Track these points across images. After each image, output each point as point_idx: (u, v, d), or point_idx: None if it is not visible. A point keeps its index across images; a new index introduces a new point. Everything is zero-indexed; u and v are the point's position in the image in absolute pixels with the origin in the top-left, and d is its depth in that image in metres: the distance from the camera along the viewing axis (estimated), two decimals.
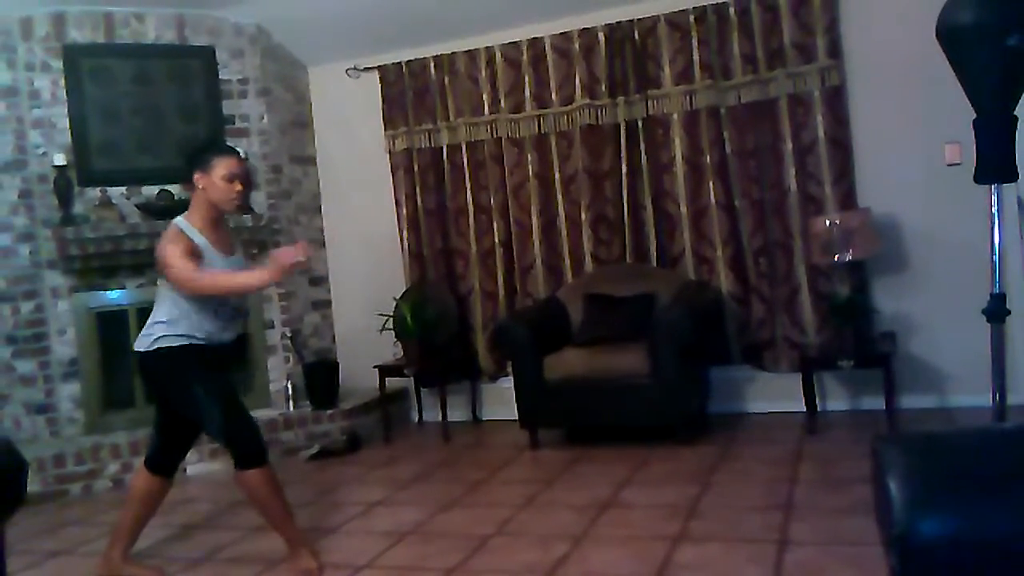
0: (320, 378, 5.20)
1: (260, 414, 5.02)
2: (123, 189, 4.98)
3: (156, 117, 5.07)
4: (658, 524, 3.27)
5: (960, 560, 1.46)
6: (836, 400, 4.62)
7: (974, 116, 2.71)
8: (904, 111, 4.46)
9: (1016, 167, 2.63)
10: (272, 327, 5.29)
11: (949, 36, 2.54)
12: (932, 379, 4.51)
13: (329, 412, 5.08)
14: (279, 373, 5.27)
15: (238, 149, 3.42)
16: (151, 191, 4.98)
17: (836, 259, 4.30)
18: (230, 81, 5.26)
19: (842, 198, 4.54)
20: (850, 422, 4.42)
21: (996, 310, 2.69)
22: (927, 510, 1.49)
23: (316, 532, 3.60)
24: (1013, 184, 4.17)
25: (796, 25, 4.60)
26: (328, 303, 5.78)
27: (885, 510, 1.55)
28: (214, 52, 5.20)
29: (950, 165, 4.39)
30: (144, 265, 4.97)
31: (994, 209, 2.73)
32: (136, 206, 4.95)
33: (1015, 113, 2.56)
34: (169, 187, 4.98)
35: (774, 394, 4.73)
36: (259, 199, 5.25)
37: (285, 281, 5.33)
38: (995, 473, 1.51)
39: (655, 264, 4.96)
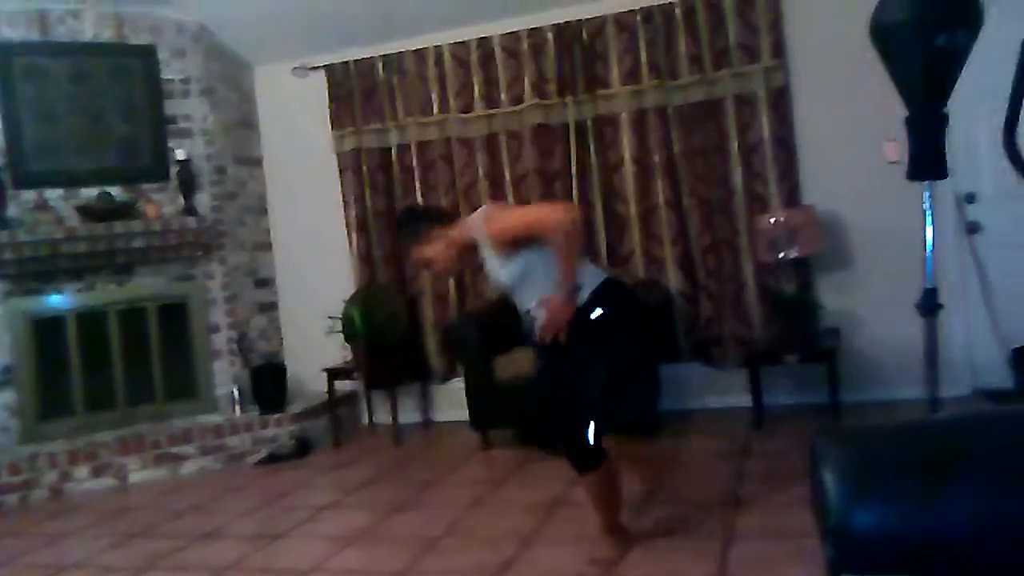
0: (267, 382, 5.11)
1: (205, 419, 4.94)
2: (61, 191, 4.84)
3: (95, 117, 4.94)
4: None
5: (893, 551, 1.48)
6: (782, 395, 4.67)
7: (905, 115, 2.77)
8: (846, 110, 4.54)
9: (946, 164, 2.68)
10: (217, 331, 5.19)
11: (881, 35, 2.59)
12: (875, 373, 4.59)
13: (277, 416, 4.99)
14: (225, 377, 5.16)
15: None
16: (90, 193, 4.84)
17: (781, 256, 4.36)
18: (172, 80, 5.15)
19: (787, 196, 4.61)
20: (796, 416, 4.47)
21: (928, 304, 2.74)
22: (861, 502, 1.50)
23: (265, 537, 3.53)
24: (951, 181, 4.29)
25: (741, 25, 4.66)
26: (275, 305, 5.68)
27: (821, 502, 1.57)
28: (155, 50, 5.08)
29: (890, 163, 4.47)
30: (83, 269, 4.85)
31: (926, 206, 2.79)
32: (75, 208, 4.81)
33: (945, 111, 2.61)
34: (109, 189, 4.86)
35: (722, 390, 4.78)
36: (203, 201, 5.14)
37: (230, 283, 5.24)
38: (927, 465, 1.53)
39: (605, 263, 4.98)
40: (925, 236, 2.79)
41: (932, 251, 2.77)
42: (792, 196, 4.62)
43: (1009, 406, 2.17)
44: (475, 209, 5.07)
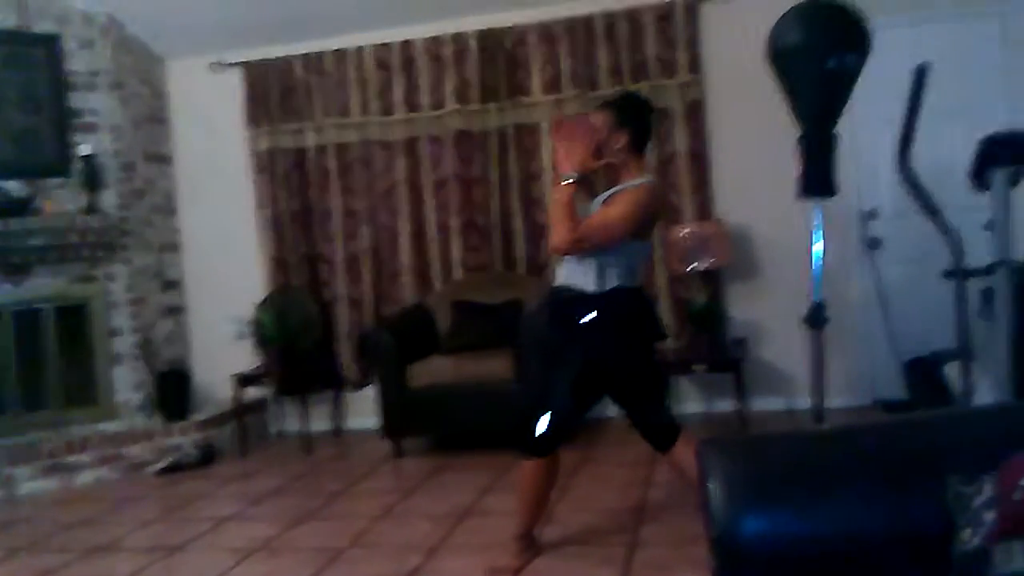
0: (172, 388, 4.93)
1: (105, 427, 4.74)
2: None
3: None
4: (512, 533, 3.24)
5: (776, 559, 1.50)
6: (692, 403, 4.75)
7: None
8: (758, 127, 4.64)
9: (835, 183, 2.77)
10: (120, 334, 4.97)
11: (776, 57, 2.66)
12: (779, 382, 4.71)
13: (181, 424, 4.81)
14: (127, 383, 4.96)
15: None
16: None
17: (692, 267, 4.44)
18: (79, 73, 4.93)
19: (699, 208, 4.70)
20: (704, 424, 4.55)
21: (816, 318, 2.82)
22: (745, 511, 1.52)
23: (162, 550, 3.39)
24: (854, 198, 4.43)
25: (659, 40, 4.74)
26: (182, 309, 5.49)
27: (708, 511, 1.58)
28: (58, 40, 4.86)
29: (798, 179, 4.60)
30: None
31: (816, 223, 2.86)
32: None
33: (834, 132, 2.70)
34: (5, 183, 4.62)
35: None
36: (109, 199, 4.94)
37: (135, 285, 5.05)
38: (811, 475, 1.56)
39: (524, 271, 4.98)
40: (811, 252, 2.86)
41: (820, 266, 2.85)
42: (704, 208, 4.71)
43: (892, 416, 2.24)
44: (393, 214, 5.08)
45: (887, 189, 4.42)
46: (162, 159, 5.44)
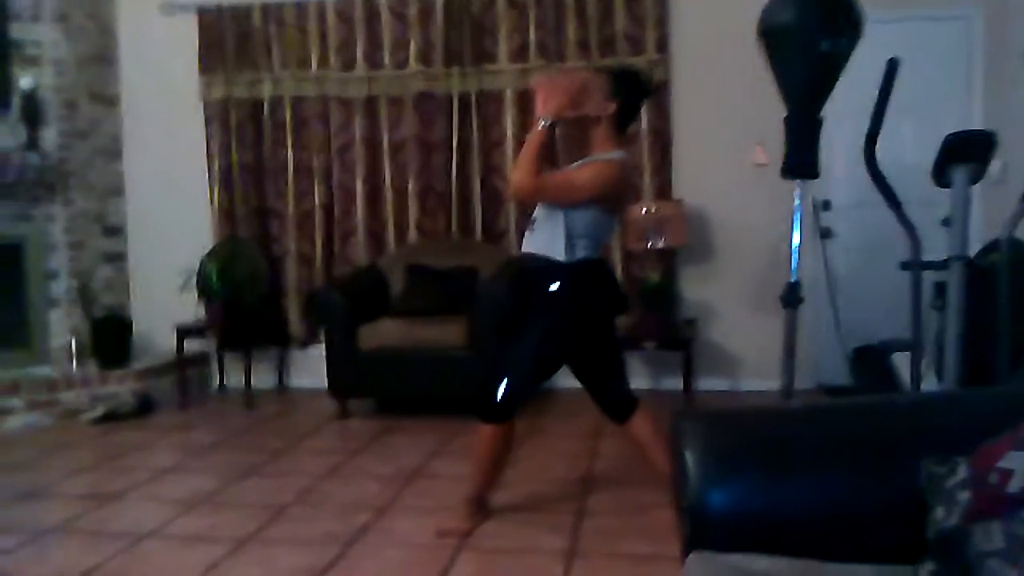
0: (109, 336, 4.77)
1: (38, 372, 4.57)
2: None
3: None
4: (463, 495, 3.25)
5: (747, 529, 1.53)
6: (640, 379, 4.81)
7: (779, 120, 2.89)
8: (721, 111, 4.70)
9: (818, 166, 2.81)
10: (56, 278, 4.79)
11: (767, 36, 2.68)
12: (726, 363, 4.82)
13: (118, 373, 4.67)
14: (62, 328, 4.78)
15: None
16: None
17: (649, 246, 4.48)
18: (21, 1, 4.68)
19: (659, 188, 4.74)
20: (651, 400, 4.60)
21: (790, 297, 2.88)
22: (718, 483, 1.55)
23: (97, 498, 3.29)
24: (810, 188, 4.52)
25: (628, 17, 4.74)
26: (123, 256, 5.30)
27: (681, 482, 1.60)
28: None
29: (758, 166, 4.68)
30: None
31: (796, 204, 2.92)
32: None
33: (821, 115, 2.74)
34: None
35: None
36: (49, 137, 4.72)
37: (74, 228, 4.85)
38: (784, 449, 1.59)
39: (479, 239, 4.95)
40: (792, 233, 2.92)
41: (799, 247, 2.90)
42: (664, 188, 4.75)
43: (856, 398, 2.31)
44: (349, 172, 4.98)
45: (841, 181, 4.52)
46: (108, 100, 5.22)
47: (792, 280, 2.86)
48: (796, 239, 2.92)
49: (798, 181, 2.83)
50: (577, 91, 2.70)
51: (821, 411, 1.68)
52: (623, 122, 2.81)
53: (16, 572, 2.66)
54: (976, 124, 4.28)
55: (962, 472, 1.35)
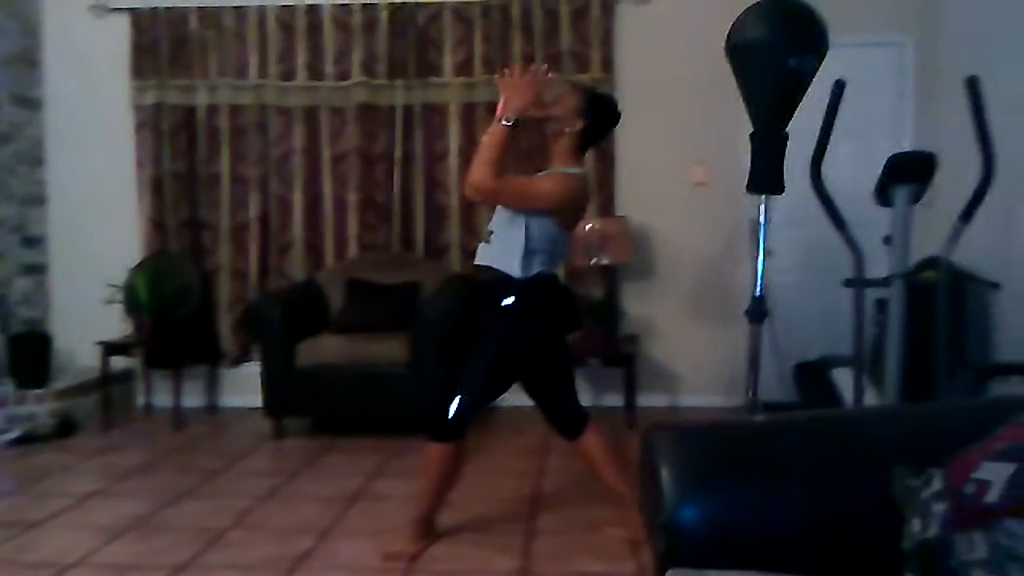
0: (28, 352, 4.51)
1: None
2: None
3: None
4: (410, 516, 3.16)
5: (722, 545, 1.51)
6: (582, 396, 4.77)
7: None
8: (663, 130, 4.75)
9: (783, 181, 2.84)
10: None
11: (737, 51, 2.70)
12: (666, 380, 4.85)
13: (37, 392, 4.41)
14: None
15: None
16: None
17: (592, 262, 4.48)
18: None
19: (602, 205, 4.75)
20: (594, 417, 4.59)
21: (756, 311, 2.89)
22: (694, 497, 1.52)
23: (17, 526, 3.08)
24: (749, 207, 4.59)
25: (574, 35, 4.76)
26: (44, 268, 5.03)
27: (654, 496, 1.57)
28: None
29: (697, 184, 4.75)
30: None
31: (761, 219, 2.93)
32: None
33: (786, 131, 2.76)
34: None
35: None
36: None
37: None
38: (757, 463, 1.58)
39: (422, 254, 4.88)
40: (758, 248, 2.91)
41: (764, 261, 2.91)
42: (607, 205, 4.76)
43: (829, 411, 2.33)
44: (287, 184, 4.85)
45: (776, 199, 4.59)
46: (31, 103, 4.97)
47: (757, 295, 2.88)
48: (762, 252, 2.92)
49: (763, 196, 2.85)
50: (538, 87, 2.66)
51: (793, 424, 1.67)
52: (586, 143, 2.80)
53: None
54: (908, 146, 4.43)
55: (937, 483, 1.36)
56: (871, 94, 4.56)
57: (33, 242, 4.96)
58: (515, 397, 4.67)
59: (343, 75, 4.85)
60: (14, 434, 4.25)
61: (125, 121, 4.96)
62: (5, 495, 3.48)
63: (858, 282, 2.98)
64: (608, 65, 4.75)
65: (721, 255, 4.79)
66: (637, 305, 4.84)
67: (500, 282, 2.71)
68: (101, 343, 4.58)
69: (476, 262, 2.82)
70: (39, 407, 4.38)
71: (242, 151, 4.93)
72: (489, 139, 2.63)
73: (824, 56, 2.65)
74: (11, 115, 4.79)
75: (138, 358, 4.84)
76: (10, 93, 4.78)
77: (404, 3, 4.81)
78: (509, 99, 2.64)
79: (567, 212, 2.74)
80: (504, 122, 2.62)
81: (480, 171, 2.61)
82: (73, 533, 3.06)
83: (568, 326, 2.93)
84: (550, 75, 2.71)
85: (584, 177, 2.82)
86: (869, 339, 3.28)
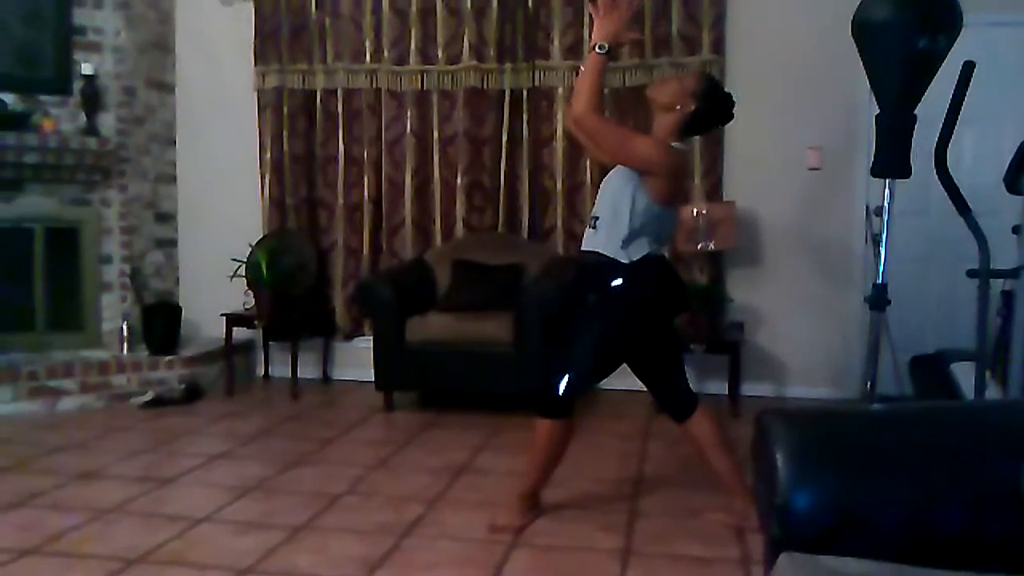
0: (159, 322, 4.83)
1: (89, 355, 4.65)
2: None
3: None
4: (514, 490, 3.25)
5: (837, 531, 1.51)
6: None
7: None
8: (775, 113, 4.65)
9: (910, 164, 2.75)
10: (110, 262, 4.86)
11: (862, 31, 2.62)
12: (773, 369, 4.77)
13: (167, 359, 4.73)
14: (114, 312, 4.85)
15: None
16: None
17: (699, 247, 4.45)
18: None
19: (709, 190, 4.70)
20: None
21: (877, 298, 2.82)
22: (809, 482, 1.53)
23: (149, 482, 3.34)
24: (863, 195, 4.45)
25: (684, 16, 4.71)
26: (174, 242, 5.37)
27: (768, 480, 1.58)
28: None
29: (810, 169, 4.64)
30: None
31: (886, 203, 2.85)
32: None
33: (914, 114, 2.67)
34: (2, 96, 4.45)
35: (626, 372, 4.84)
36: (107, 122, 4.80)
37: (128, 213, 4.93)
38: (870, 451, 1.57)
39: (526, 236, 4.95)
40: (882, 233, 2.83)
41: (887, 247, 2.83)
42: (715, 190, 4.71)
43: (942, 402, 2.28)
44: (398, 166, 5.00)
45: (897, 186, 4.44)
46: (164, 87, 5.28)
47: (879, 281, 2.80)
48: (884, 238, 2.84)
49: (886, 181, 2.77)
50: (632, 12, 2.64)
51: (913, 413, 1.65)
52: (691, 128, 2.80)
53: (82, 550, 2.70)
54: None
55: None
56: (1001, 76, 4.32)
57: (165, 218, 5.29)
58: (620, 381, 4.71)
59: (453, 59, 4.95)
60: (147, 397, 4.57)
61: (248, 104, 5.21)
62: (143, 453, 3.76)
63: (984, 272, 2.87)
64: (719, 47, 4.68)
65: (833, 243, 4.67)
66: (743, 292, 4.77)
67: (608, 264, 2.74)
68: (225, 315, 4.86)
69: (583, 248, 2.86)
70: (169, 373, 4.70)
71: (356, 134, 5.11)
72: (586, 70, 2.62)
73: (956, 36, 2.54)
74: (146, 98, 5.11)
75: (258, 330, 5.10)
76: (146, 78, 5.09)
77: None
78: (603, 24, 2.60)
79: (662, 182, 2.71)
80: (597, 50, 2.60)
81: (579, 101, 2.60)
82: (202, 490, 3.30)
83: (676, 308, 2.94)
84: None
85: (685, 154, 2.81)
86: (992, 332, 3.16)
